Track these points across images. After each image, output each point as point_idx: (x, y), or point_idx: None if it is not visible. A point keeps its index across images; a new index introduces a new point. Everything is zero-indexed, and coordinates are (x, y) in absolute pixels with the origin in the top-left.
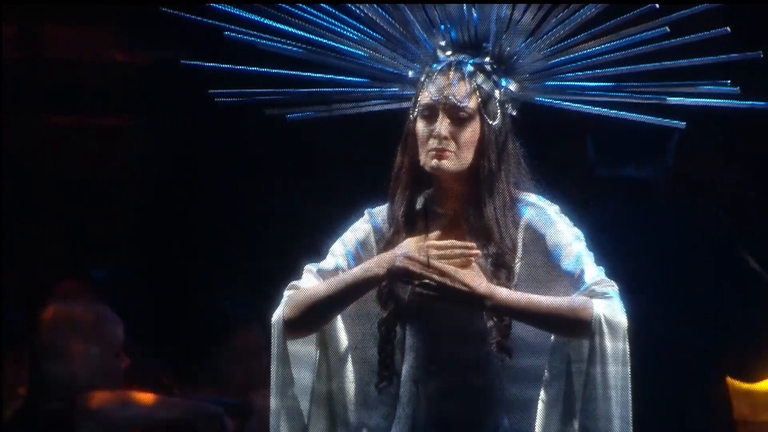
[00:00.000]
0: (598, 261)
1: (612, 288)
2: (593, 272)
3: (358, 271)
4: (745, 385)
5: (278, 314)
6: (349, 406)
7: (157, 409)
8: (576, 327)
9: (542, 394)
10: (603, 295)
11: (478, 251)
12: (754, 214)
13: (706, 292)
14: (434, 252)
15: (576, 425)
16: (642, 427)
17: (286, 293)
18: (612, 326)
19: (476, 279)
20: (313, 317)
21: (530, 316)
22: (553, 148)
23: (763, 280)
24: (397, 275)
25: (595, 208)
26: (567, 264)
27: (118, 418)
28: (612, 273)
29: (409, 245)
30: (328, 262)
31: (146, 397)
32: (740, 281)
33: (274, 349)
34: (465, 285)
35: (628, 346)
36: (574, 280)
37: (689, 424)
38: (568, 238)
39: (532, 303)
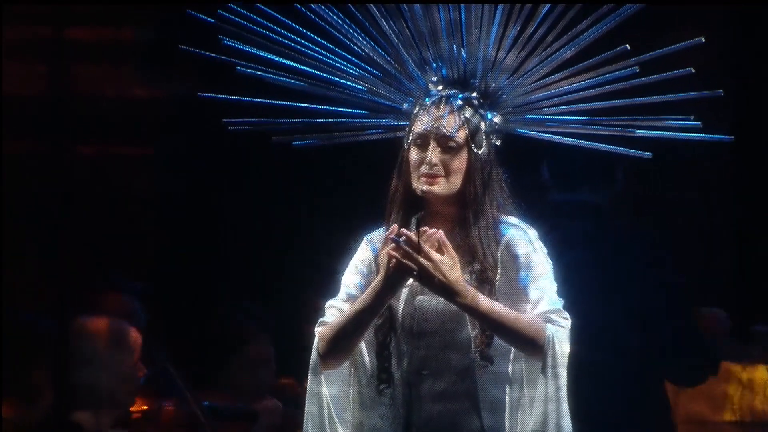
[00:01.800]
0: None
1: (566, 320)
2: (553, 300)
3: (365, 298)
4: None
5: (314, 347)
6: (348, 407)
7: None
8: (529, 343)
9: (518, 395)
10: (557, 323)
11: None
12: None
13: (648, 303)
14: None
15: (547, 424)
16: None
17: (317, 330)
18: (559, 352)
19: (455, 275)
20: (341, 347)
21: (491, 321)
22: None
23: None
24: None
25: (551, 228)
26: (532, 288)
27: None
28: (568, 287)
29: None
30: (343, 295)
31: None
32: (674, 292)
33: (312, 373)
34: (444, 276)
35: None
36: (534, 304)
37: (634, 423)
38: (538, 263)
39: (494, 311)
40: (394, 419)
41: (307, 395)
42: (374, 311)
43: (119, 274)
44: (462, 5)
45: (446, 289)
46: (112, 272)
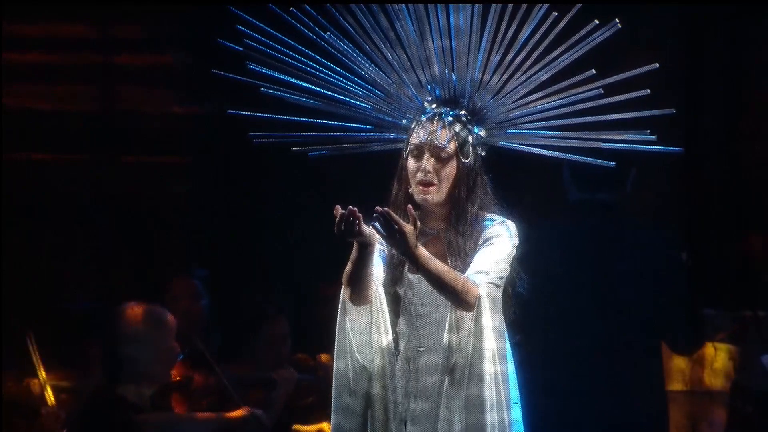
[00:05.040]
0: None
1: (486, 284)
2: (487, 269)
3: (353, 254)
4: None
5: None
6: (354, 378)
7: (204, 423)
8: (459, 297)
9: (500, 369)
10: (479, 283)
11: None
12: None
13: (652, 289)
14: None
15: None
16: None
17: None
18: (483, 310)
19: (413, 240)
20: (350, 287)
21: (432, 277)
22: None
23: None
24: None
25: (569, 224)
26: (478, 256)
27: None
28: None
29: None
30: None
31: (191, 417)
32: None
33: (340, 312)
34: (404, 239)
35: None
36: (472, 266)
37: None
38: (497, 244)
39: (437, 269)
40: (395, 389)
41: (337, 329)
42: (357, 261)
43: (186, 262)
44: (452, 35)
45: (404, 249)
46: (179, 260)
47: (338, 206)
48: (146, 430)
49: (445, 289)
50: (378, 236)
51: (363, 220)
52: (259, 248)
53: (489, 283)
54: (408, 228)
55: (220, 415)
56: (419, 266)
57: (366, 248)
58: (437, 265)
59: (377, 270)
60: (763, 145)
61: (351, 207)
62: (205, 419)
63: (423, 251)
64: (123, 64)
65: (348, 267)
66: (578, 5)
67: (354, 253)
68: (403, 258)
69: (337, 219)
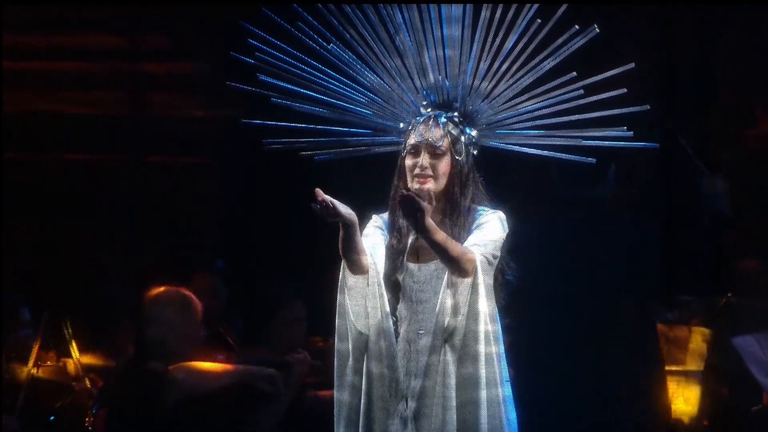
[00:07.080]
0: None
1: (479, 255)
2: (483, 243)
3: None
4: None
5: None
6: (357, 358)
7: (224, 375)
8: (459, 264)
9: (493, 350)
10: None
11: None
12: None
13: (636, 277)
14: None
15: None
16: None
17: None
18: (479, 275)
19: (426, 216)
20: (343, 256)
21: (438, 247)
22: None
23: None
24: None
25: (556, 217)
26: (474, 234)
27: (195, 383)
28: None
29: None
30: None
31: (216, 367)
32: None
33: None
34: (422, 213)
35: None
36: (470, 241)
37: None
38: (489, 227)
39: (442, 240)
40: (396, 368)
41: (337, 313)
42: (344, 237)
43: (208, 254)
44: (445, 45)
45: (417, 222)
46: (202, 252)
47: (318, 189)
48: (174, 379)
49: (448, 257)
50: (376, 224)
51: (347, 208)
52: (272, 241)
53: (482, 255)
54: (426, 206)
55: (241, 367)
56: (429, 236)
57: (348, 226)
58: (442, 235)
59: (378, 260)
60: (734, 141)
61: (320, 198)
62: (228, 370)
63: (432, 224)
64: (150, 72)
65: (339, 243)
66: (559, 13)
67: (340, 232)
68: (403, 247)
69: (312, 205)
